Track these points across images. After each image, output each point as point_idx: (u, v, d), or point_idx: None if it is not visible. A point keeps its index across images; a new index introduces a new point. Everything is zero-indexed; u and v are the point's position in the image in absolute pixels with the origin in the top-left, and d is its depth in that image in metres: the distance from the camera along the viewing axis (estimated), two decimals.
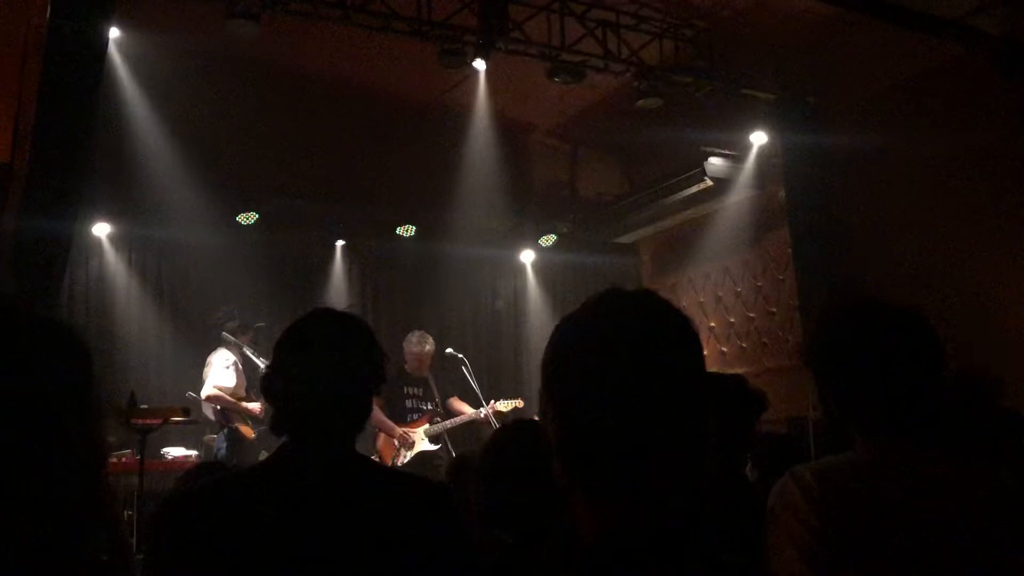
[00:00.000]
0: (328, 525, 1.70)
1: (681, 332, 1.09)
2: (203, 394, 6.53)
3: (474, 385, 6.90)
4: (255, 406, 6.59)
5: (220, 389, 6.51)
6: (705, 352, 1.15)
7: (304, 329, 1.88)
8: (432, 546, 1.76)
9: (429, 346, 7.02)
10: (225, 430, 6.48)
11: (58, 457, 1.02)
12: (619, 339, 1.05)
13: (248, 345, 6.66)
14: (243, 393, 6.70)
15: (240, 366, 6.71)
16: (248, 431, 6.56)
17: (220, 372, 6.59)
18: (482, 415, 6.94)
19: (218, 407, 6.50)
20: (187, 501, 1.78)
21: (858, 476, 1.58)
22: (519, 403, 7.24)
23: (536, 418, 2.53)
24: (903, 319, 1.68)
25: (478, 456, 2.38)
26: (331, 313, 1.95)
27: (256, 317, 7.07)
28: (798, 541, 1.50)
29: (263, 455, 6.39)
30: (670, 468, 1.02)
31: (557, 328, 1.12)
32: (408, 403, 6.96)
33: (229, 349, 6.73)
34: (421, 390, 7.03)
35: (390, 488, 1.82)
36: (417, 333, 7.10)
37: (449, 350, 7.12)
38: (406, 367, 7.05)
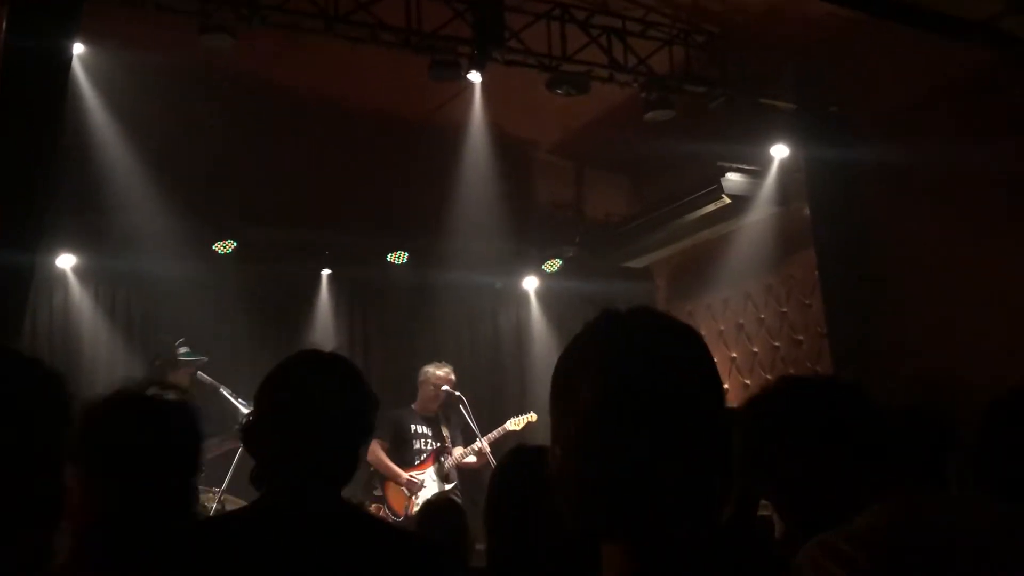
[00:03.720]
0: None
1: (690, 348, 1.10)
2: None
3: (473, 425, 6.90)
4: None
5: None
6: (727, 385, 1.17)
7: (286, 375, 1.93)
8: None
9: (452, 373, 7.07)
10: None
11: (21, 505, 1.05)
12: (623, 364, 1.06)
13: (226, 388, 6.61)
14: None
15: None
16: None
17: None
18: (475, 456, 6.99)
19: None
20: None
21: (899, 534, 1.55)
22: (532, 417, 7.27)
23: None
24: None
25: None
26: (315, 356, 1.99)
27: (231, 354, 7.06)
28: None
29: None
30: (689, 501, 1.03)
31: (559, 361, 1.13)
32: (416, 443, 7.02)
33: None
34: (430, 429, 7.07)
35: (375, 544, 1.84)
36: (435, 363, 7.17)
37: (445, 387, 7.12)
38: (414, 406, 7.08)
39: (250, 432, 1.91)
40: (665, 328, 1.11)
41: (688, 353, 1.09)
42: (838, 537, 1.53)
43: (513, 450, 2.43)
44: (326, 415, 1.85)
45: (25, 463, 1.06)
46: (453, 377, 7.15)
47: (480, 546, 2.98)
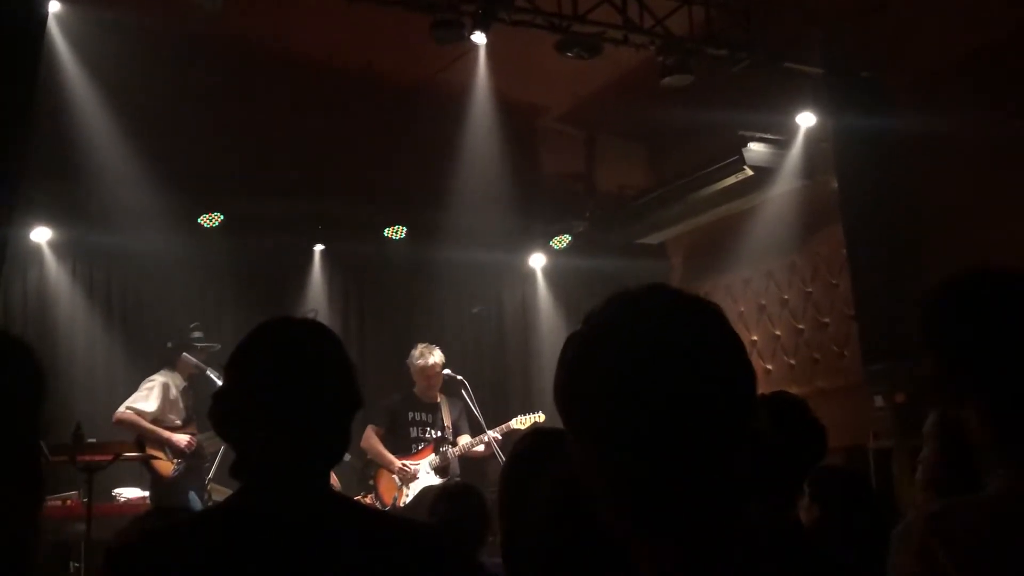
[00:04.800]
0: None
1: (713, 332, 1.07)
2: (114, 415, 6.52)
3: (475, 411, 6.90)
4: (182, 437, 6.57)
5: (135, 412, 6.48)
6: None
7: (259, 344, 1.83)
8: None
9: (435, 358, 7.04)
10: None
11: None
12: (644, 351, 1.03)
13: (212, 369, 6.63)
14: (174, 422, 6.67)
15: (176, 391, 6.72)
16: (165, 466, 6.49)
17: (140, 393, 6.61)
18: (481, 447, 6.98)
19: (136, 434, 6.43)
20: (135, 550, 1.76)
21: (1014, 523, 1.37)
22: (540, 417, 7.28)
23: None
24: None
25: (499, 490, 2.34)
26: (290, 322, 1.91)
27: (218, 334, 7.09)
28: None
29: (199, 496, 6.42)
30: (712, 499, 1.03)
31: (565, 348, 1.11)
32: (413, 431, 7.01)
33: (172, 372, 6.76)
34: (429, 416, 7.07)
35: (374, 535, 1.80)
36: (420, 346, 7.15)
37: (447, 371, 7.12)
38: (415, 390, 7.09)
39: (222, 414, 1.80)
40: (682, 308, 1.08)
41: (710, 338, 1.06)
42: (956, 512, 1.41)
43: (530, 434, 2.41)
44: (313, 387, 1.77)
45: (3, 438, 1.06)
46: (437, 360, 7.08)
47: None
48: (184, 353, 6.79)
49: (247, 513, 1.75)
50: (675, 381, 1.02)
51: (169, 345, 6.90)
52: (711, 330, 1.07)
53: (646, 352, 1.03)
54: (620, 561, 1.08)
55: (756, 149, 7.91)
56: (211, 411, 1.82)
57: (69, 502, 6.26)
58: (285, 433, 1.75)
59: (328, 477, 1.85)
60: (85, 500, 5.50)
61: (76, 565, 5.88)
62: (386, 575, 1.75)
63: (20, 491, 1.11)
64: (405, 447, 6.98)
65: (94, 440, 5.83)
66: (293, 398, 1.76)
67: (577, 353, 1.08)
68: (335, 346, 1.85)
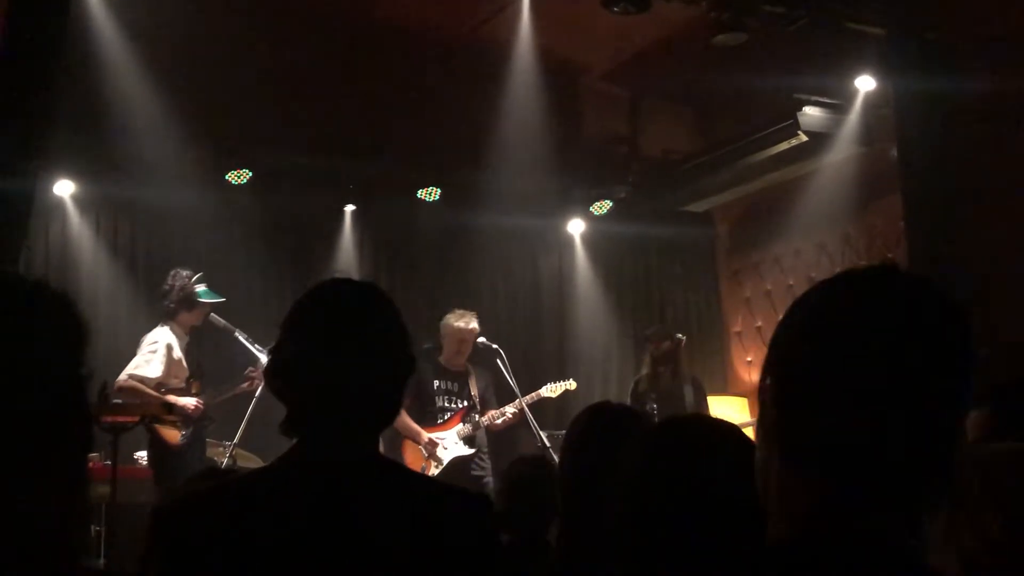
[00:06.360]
0: (351, 539, 1.72)
1: (958, 331, 1.16)
2: (115, 383, 6.26)
3: (511, 381, 6.92)
4: (188, 401, 6.36)
5: (138, 380, 6.31)
6: None
7: (318, 303, 1.90)
8: (468, 566, 1.81)
9: (473, 323, 7.12)
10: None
11: (51, 446, 1.09)
12: (890, 324, 1.13)
13: (241, 332, 6.63)
14: (177, 385, 6.49)
15: (179, 350, 6.54)
16: (172, 434, 6.29)
17: (142, 357, 6.42)
18: (509, 414, 7.01)
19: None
20: (185, 509, 1.81)
21: None
22: (571, 385, 7.29)
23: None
24: None
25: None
26: (349, 284, 1.98)
27: (244, 293, 7.08)
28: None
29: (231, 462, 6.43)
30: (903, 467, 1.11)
31: (797, 302, 1.21)
32: (439, 400, 7.08)
33: (174, 327, 6.60)
34: (456, 385, 7.13)
35: (424, 499, 1.85)
36: (457, 310, 7.19)
37: (482, 339, 7.15)
38: (440, 358, 7.13)
39: (277, 369, 1.86)
40: (935, 303, 1.16)
41: (955, 337, 1.15)
42: (998, 455, 1.67)
43: (592, 413, 2.41)
44: (372, 345, 1.84)
45: (52, 388, 1.10)
46: (475, 326, 7.13)
47: None
48: (208, 313, 6.67)
49: (299, 472, 1.80)
50: (897, 362, 1.11)
51: (175, 297, 6.64)
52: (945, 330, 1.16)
53: (883, 330, 1.13)
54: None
55: (811, 114, 7.83)
56: (267, 367, 1.90)
57: (91, 464, 6.32)
58: (338, 393, 1.81)
59: (378, 439, 1.90)
60: (108, 462, 5.56)
61: (98, 528, 5.97)
62: (436, 536, 1.79)
63: (72, 445, 1.13)
64: (431, 417, 7.03)
65: (120, 400, 5.89)
66: (347, 359, 1.81)
67: (814, 304, 1.19)
68: (391, 310, 1.90)
